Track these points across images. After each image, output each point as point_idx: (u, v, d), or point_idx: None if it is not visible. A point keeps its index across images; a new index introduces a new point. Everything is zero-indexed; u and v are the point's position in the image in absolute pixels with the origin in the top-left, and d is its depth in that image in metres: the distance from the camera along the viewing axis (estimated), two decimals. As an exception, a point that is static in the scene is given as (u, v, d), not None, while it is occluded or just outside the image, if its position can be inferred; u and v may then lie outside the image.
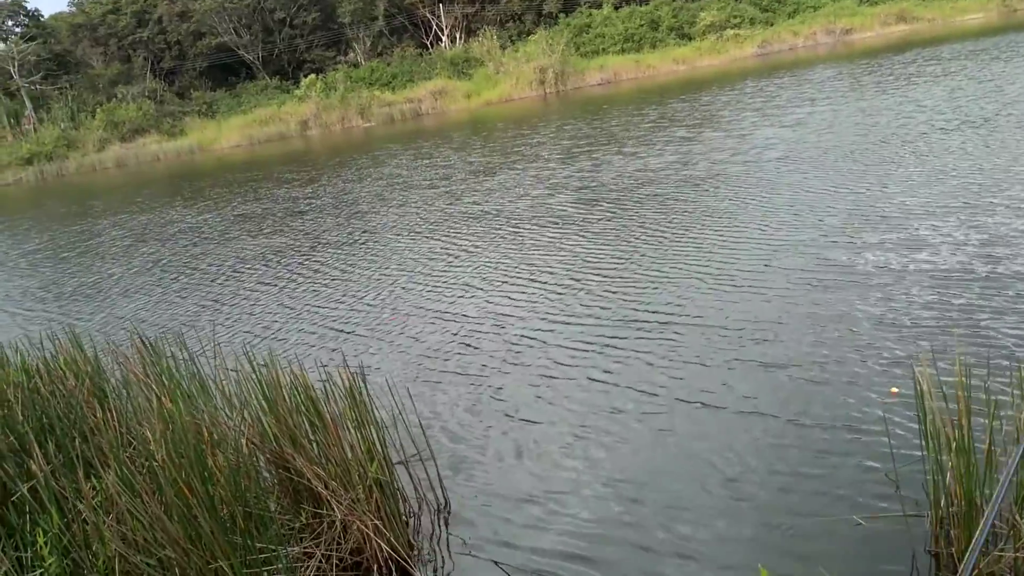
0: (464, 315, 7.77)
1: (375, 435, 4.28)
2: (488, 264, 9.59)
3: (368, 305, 8.76)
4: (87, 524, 3.50)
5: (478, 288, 8.64)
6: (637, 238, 9.57)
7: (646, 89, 35.37)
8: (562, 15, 54.47)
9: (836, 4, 51.84)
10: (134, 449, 4.02)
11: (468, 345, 6.93)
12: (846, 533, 3.73)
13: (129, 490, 3.40)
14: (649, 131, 19.30)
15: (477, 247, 10.57)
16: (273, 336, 8.20)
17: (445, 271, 9.62)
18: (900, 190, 9.58)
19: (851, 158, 11.98)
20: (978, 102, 14.87)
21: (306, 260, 11.65)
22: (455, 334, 7.26)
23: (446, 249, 10.75)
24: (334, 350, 7.35)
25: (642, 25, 50.72)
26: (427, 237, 11.69)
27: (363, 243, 12.12)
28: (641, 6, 53.62)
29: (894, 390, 4.85)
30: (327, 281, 10.16)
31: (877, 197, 9.47)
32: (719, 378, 5.45)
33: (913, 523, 3.66)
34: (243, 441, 4.17)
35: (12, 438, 4.02)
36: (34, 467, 3.51)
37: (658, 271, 8.10)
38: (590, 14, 53.52)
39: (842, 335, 5.77)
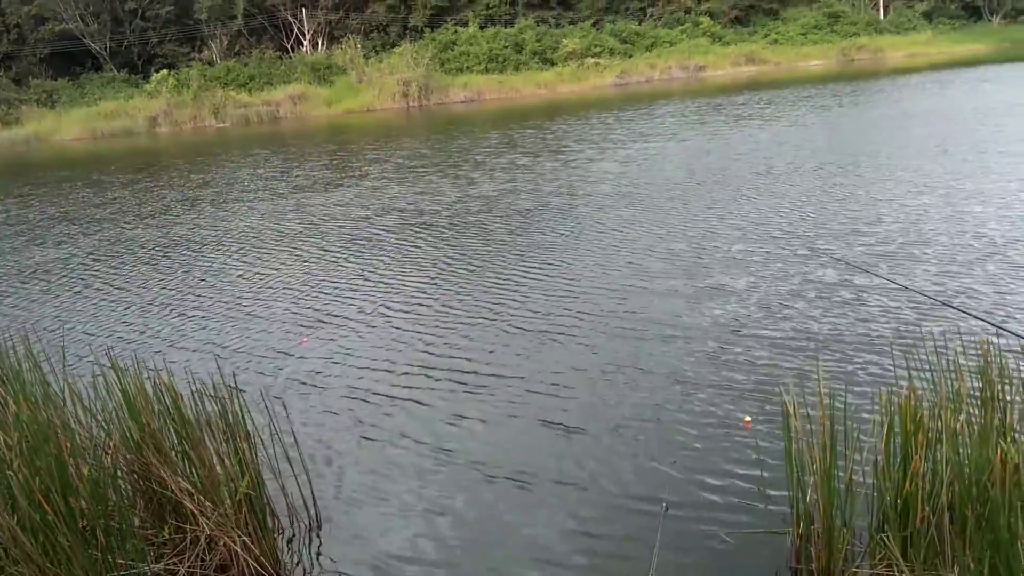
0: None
1: (247, 448, 4.11)
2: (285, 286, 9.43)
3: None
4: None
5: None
6: (447, 272, 9.29)
7: (508, 110, 35.85)
8: (428, 30, 54.52)
9: (691, 42, 54.37)
10: None
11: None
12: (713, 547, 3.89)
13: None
14: (490, 155, 19.39)
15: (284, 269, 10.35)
16: (125, 341, 7.77)
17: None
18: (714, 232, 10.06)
19: (672, 196, 12.38)
20: (795, 147, 15.90)
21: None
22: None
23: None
24: (189, 355, 7.04)
25: (506, 47, 51.46)
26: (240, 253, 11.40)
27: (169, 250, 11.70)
28: (506, 28, 54.42)
29: (747, 419, 5.05)
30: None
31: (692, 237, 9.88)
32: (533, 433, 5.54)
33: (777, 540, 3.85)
34: (102, 450, 3.92)
35: None
36: None
37: (465, 311, 7.77)
38: (456, 31, 53.83)
39: (677, 382, 5.78)
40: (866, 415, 4.48)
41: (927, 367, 3.61)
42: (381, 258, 10.18)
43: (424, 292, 8.49)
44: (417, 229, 11.68)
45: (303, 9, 55.02)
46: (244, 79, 48.70)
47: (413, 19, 56.21)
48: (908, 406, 3.39)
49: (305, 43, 55.76)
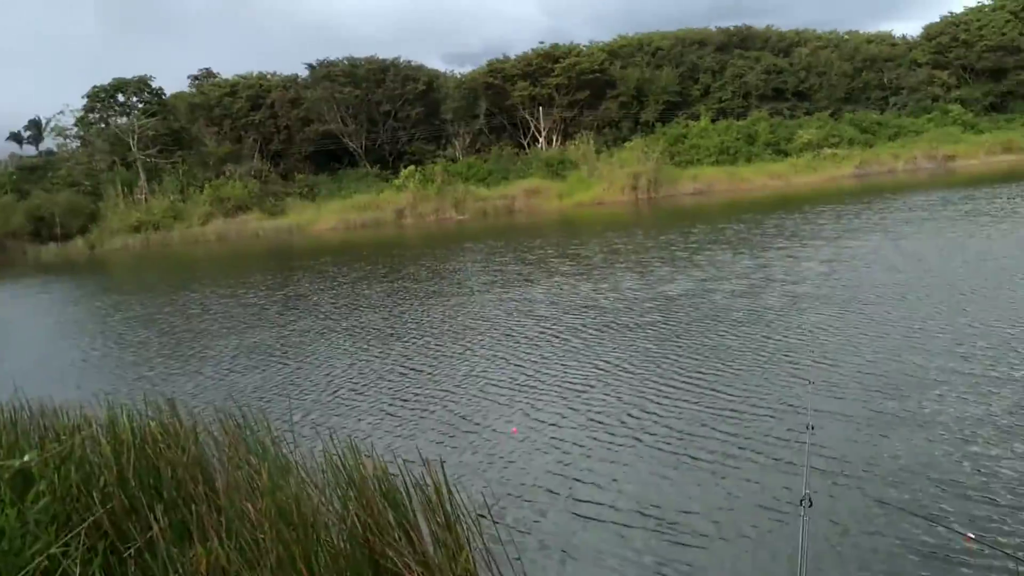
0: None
1: (459, 532, 4.32)
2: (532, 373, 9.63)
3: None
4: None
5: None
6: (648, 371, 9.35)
7: (735, 203, 35.49)
8: (659, 124, 55.42)
9: (939, 130, 51.49)
10: (236, 521, 4.15)
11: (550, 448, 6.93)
12: None
13: (241, 558, 3.52)
14: (715, 251, 19.15)
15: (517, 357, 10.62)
16: (345, 419, 8.36)
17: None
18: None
19: (869, 302, 11.56)
20: None
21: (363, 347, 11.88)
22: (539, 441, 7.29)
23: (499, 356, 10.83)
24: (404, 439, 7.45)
25: (738, 138, 51.19)
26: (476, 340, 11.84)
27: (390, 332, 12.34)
28: (739, 120, 54.22)
29: (969, 535, 4.68)
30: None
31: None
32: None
33: None
34: (336, 524, 4.27)
35: (125, 499, 4.20)
36: (155, 529, 3.66)
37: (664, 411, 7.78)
38: (687, 125, 54.34)
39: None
40: None
41: None
42: (595, 353, 10.33)
43: (624, 386, 8.54)
44: (614, 327, 11.79)
45: (540, 108, 57.75)
46: (483, 174, 51.54)
47: (645, 114, 57.41)
48: None
49: (541, 139, 58.34)
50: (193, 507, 4.34)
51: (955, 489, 5.36)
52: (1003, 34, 58.09)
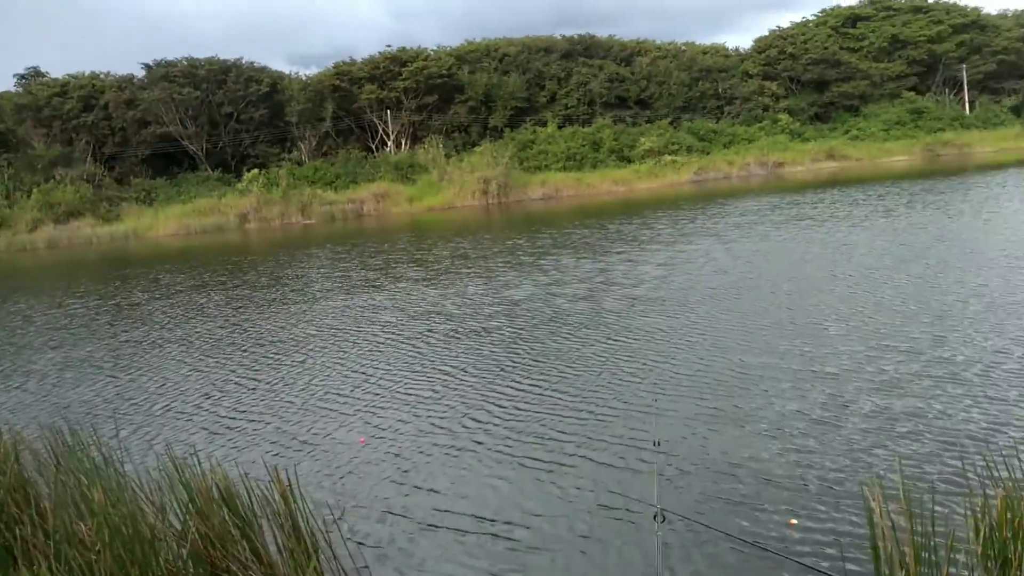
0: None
1: (308, 543, 4.22)
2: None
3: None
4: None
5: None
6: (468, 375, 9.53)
7: (582, 208, 36.41)
8: (508, 129, 56.07)
9: (769, 138, 54.54)
10: (64, 543, 3.87)
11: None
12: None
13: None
14: (560, 255, 19.59)
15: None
16: (183, 432, 7.97)
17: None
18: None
19: (699, 302, 12.15)
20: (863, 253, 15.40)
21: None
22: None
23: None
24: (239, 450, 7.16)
25: (584, 145, 52.52)
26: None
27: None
28: (584, 127, 55.60)
29: (792, 521, 4.96)
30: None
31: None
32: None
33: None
34: (175, 541, 4.08)
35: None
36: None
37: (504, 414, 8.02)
38: (535, 131, 55.29)
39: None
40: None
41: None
42: (439, 359, 10.31)
43: (471, 392, 8.59)
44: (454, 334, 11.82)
45: (388, 111, 57.27)
46: (331, 177, 50.60)
47: (493, 120, 57.88)
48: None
49: (389, 143, 57.85)
50: (17, 530, 4.06)
51: (780, 481, 5.66)
52: (825, 48, 62.14)
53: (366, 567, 4.60)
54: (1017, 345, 8.29)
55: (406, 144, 57.41)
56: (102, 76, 56.75)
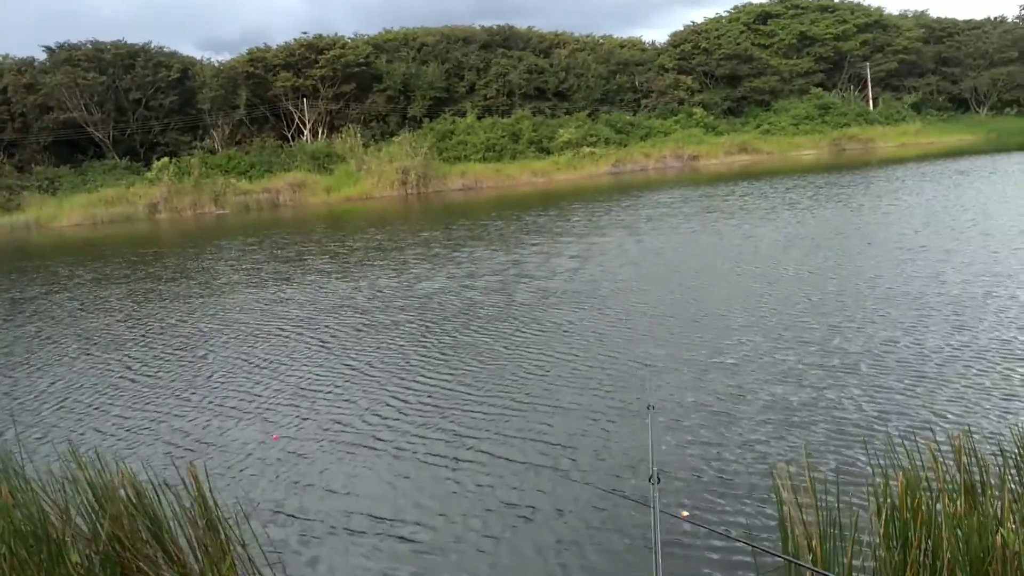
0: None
1: (223, 540, 4.20)
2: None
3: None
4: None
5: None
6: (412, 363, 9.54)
7: (501, 199, 36.46)
8: (427, 119, 55.69)
9: (685, 132, 55.52)
10: None
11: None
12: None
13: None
14: (475, 247, 19.52)
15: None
16: (90, 431, 7.72)
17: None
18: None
19: (610, 294, 12.30)
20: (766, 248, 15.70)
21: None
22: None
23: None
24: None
25: (503, 136, 52.56)
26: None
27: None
28: (504, 118, 55.61)
29: (684, 513, 5.00)
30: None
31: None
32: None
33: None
34: (83, 542, 3.96)
35: None
36: None
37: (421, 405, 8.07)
38: (454, 121, 55.08)
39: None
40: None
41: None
42: (347, 353, 10.18)
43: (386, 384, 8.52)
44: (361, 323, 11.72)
45: (304, 99, 56.27)
46: (245, 167, 49.46)
47: (412, 109, 57.44)
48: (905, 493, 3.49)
49: (306, 132, 56.85)
50: None
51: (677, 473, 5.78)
52: (738, 44, 63.55)
53: (280, 563, 4.58)
54: (906, 334, 8.60)
55: (323, 133, 56.50)
56: (0, 59, 54.24)
